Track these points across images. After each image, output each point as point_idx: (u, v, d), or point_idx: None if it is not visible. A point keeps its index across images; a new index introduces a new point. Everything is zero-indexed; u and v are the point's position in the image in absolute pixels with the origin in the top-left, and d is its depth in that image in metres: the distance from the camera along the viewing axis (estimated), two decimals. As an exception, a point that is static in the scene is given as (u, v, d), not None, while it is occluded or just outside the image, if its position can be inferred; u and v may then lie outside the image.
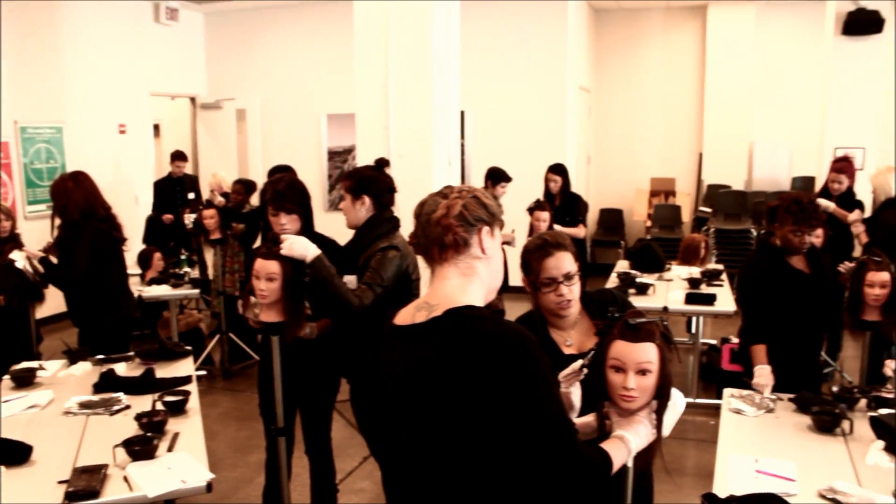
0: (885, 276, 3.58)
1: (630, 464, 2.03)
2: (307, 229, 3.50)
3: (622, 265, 6.94)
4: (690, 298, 5.62)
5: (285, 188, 3.48)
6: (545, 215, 6.07)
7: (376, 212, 3.54)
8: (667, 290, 5.99)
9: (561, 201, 6.65)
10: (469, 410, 1.67)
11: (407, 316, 1.83)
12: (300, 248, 3.17)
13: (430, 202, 1.86)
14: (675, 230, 9.77)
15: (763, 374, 3.71)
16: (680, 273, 6.53)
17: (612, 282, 6.13)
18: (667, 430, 2.14)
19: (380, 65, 5.04)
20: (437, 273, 1.84)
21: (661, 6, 10.94)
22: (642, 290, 5.86)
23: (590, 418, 2.14)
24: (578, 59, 9.81)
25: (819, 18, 9.02)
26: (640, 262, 6.69)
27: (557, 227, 6.27)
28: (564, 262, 2.41)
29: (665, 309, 5.62)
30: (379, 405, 1.86)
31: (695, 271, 6.45)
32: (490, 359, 1.66)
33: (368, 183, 3.56)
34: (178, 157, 8.79)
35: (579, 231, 6.58)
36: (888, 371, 3.71)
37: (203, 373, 6.22)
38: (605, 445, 1.92)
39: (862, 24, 7.90)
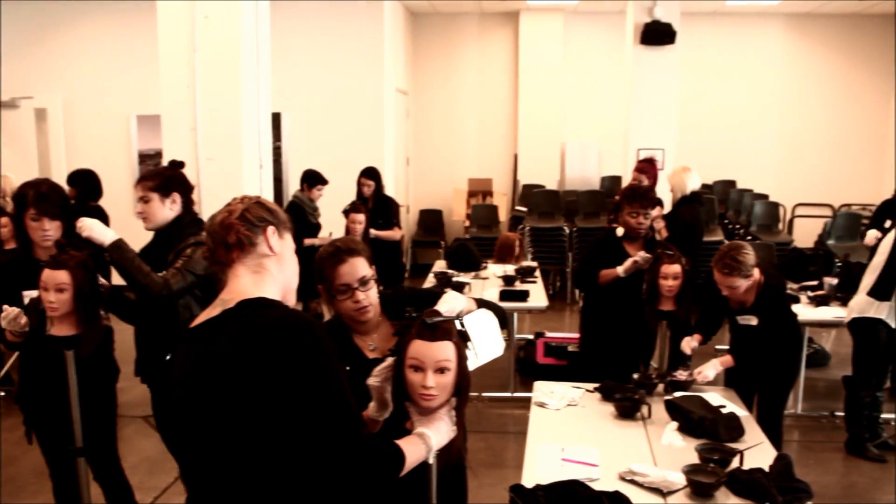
0: (676, 268, 3.82)
1: (432, 460, 2.05)
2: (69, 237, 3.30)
3: (440, 265, 7.05)
4: (505, 295, 5.78)
5: (49, 191, 3.28)
6: (360, 217, 6.08)
7: (183, 211, 3.45)
8: (482, 289, 6.14)
9: (374, 204, 6.66)
10: (260, 397, 1.71)
11: (202, 316, 1.86)
12: (99, 231, 3.02)
13: (216, 213, 1.93)
14: (492, 229, 10.01)
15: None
16: (496, 271, 6.70)
17: (430, 282, 6.22)
18: (497, 350, 2.21)
19: (185, 64, 4.86)
20: (229, 274, 1.88)
21: (476, 12, 11.20)
22: (458, 289, 5.96)
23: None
24: (395, 62, 9.87)
25: (620, 28, 9.52)
26: (457, 262, 6.82)
27: (372, 231, 6.29)
28: (358, 268, 2.40)
29: (480, 307, 5.74)
30: (174, 402, 1.87)
31: (510, 269, 6.64)
32: (279, 345, 1.71)
33: (177, 181, 3.47)
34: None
35: (394, 233, 6.63)
36: (686, 349, 3.95)
37: (2, 393, 5.83)
38: (403, 442, 1.96)
39: (657, 34, 8.40)
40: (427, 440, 2.01)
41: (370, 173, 6.73)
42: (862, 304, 4.97)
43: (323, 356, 1.74)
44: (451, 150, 11.49)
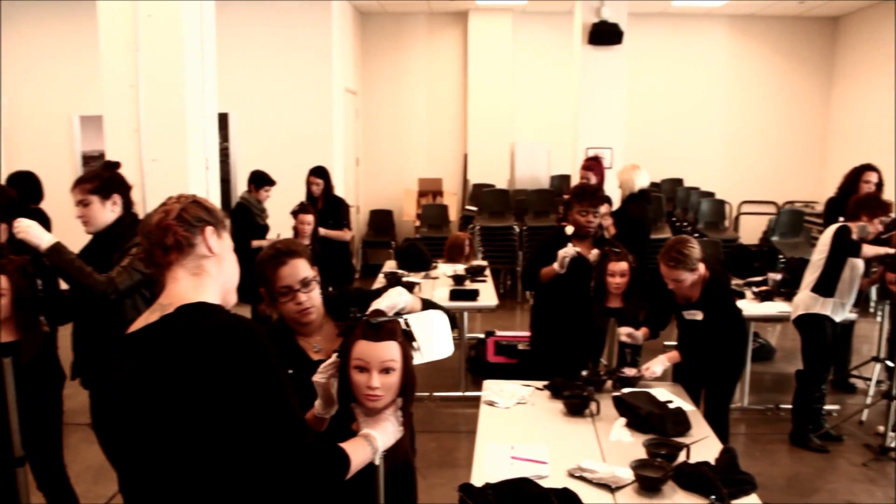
0: (623, 265, 3.85)
1: (378, 462, 2.04)
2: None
3: (390, 265, 7.03)
4: (454, 295, 5.78)
5: None
6: (309, 218, 6.03)
7: (124, 212, 3.39)
8: (433, 288, 6.13)
9: (324, 204, 6.62)
10: (202, 407, 1.67)
11: (140, 321, 1.80)
12: (35, 234, 2.95)
13: (152, 213, 1.87)
14: (442, 229, 10.01)
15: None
16: (446, 271, 6.70)
17: (380, 282, 6.19)
18: (444, 350, 2.18)
19: (128, 64, 4.77)
20: (167, 277, 1.83)
21: (425, 11, 11.20)
22: (408, 289, 5.93)
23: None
24: (344, 61, 9.83)
25: (568, 28, 9.57)
26: (407, 262, 6.81)
27: (322, 230, 6.25)
28: (299, 269, 2.38)
29: (430, 306, 5.74)
30: (111, 410, 1.82)
31: (460, 268, 6.64)
32: (220, 353, 1.67)
33: (116, 182, 3.41)
34: None
35: (344, 234, 6.59)
36: (623, 337, 3.99)
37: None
38: (348, 444, 1.94)
39: (604, 35, 8.47)
40: (373, 441, 1.99)
41: (319, 172, 6.68)
42: (807, 301, 5.09)
43: (265, 362, 1.71)
44: (401, 150, 11.48)
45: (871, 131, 10.26)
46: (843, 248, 4.94)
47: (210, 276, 1.85)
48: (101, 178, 3.37)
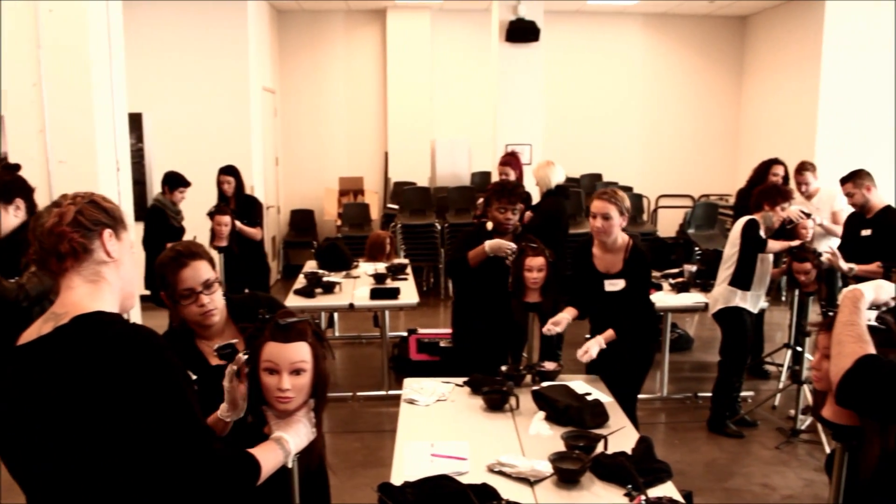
0: (540, 260, 3.87)
1: (291, 464, 2.00)
2: None
3: (311, 265, 6.96)
4: (375, 294, 5.75)
5: None
6: (226, 219, 5.92)
7: (28, 216, 3.27)
8: (353, 287, 6.09)
9: (236, 204, 6.50)
10: (102, 420, 1.60)
11: (32, 331, 1.70)
12: None
13: (44, 214, 1.75)
14: (364, 228, 9.96)
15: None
16: (367, 269, 6.66)
17: (300, 282, 6.12)
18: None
19: (30, 63, 4.62)
20: (62, 284, 1.73)
21: (342, 9, 11.11)
22: (329, 288, 5.89)
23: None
24: (261, 60, 9.68)
25: (486, 26, 9.64)
26: (327, 261, 6.75)
27: (237, 224, 6.14)
28: (201, 271, 2.33)
29: (351, 306, 5.71)
30: (9, 426, 1.68)
31: (381, 267, 6.61)
32: (119, 366, 1.59)
33: (18, 186, 3.29)
34: None
35: (257, 233, 6.48)
36: (548, 329, 4.00)
37: None
38: (259, 449, 1.89)
39: (522, 32, 8.54)
40: (285, 444, 1.95)
41: (229, 170, 6.55)
42: (725, 295, 5.22)
43: (165, 373, 1.64)
44: (321, 149, 11.36)
45: (779, 125, 10.60)
46: (751, 244, 5.08)
47: (108, 283, 1.75)
48: (1, 182, 3.24)
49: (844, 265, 5.13)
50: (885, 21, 9.26)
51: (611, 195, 3.95)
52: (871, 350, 1.73)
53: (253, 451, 1.87)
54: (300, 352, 1.99)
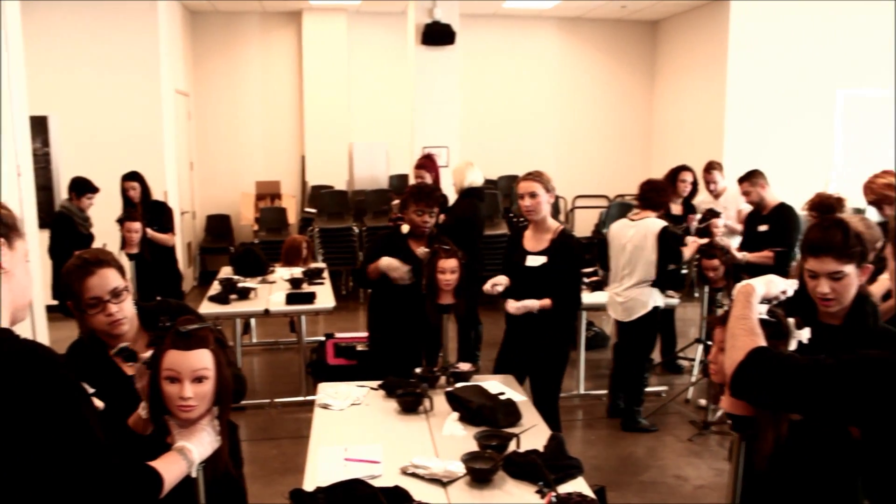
0: (453, 262, 3.88)
1: (195, 474, 1.96)
2: None
3: (226, 271, 6.85)
4: (291, 298, 5.69)
5: None
6: (136, 226, 5.78)
7: None
8: (269, 293, 6.02)
9: (144, 209, 6.33)
10: None
11: None
12: None
13: None
14: (282, 232, 9.85)
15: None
16: (283, 274, 6.59)
17: (215, 289, 6.01)
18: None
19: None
20: None
21: (257, 11, 10.97)
22: (244, 294, 5.81)
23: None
24: (174, 62, 9.49)
25: (403, 29, 9.64)
26: (243, 267, 6.66)
27: (148, 231, 6.01)
28: (109, 279, 2.27)
29: (266, 311, 5.64)
30: None
31: (297, 272, 6.55)
32: (9, 380, 1.53)
33: None
34: None
35: (170, 239, 6.34)
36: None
37: None
38: (161, 461, 1.85)
39: (438, 35, 8.58)
40: (188, 454, 1.91)
41: (133, 176, 6.37)
42: (642, 300, 5.27)
43: (59, 389, 1.59)
44: (237, 153, 11.18)
45: (690, 126, 10.89)
46: (670, 254, 5.22)
47: None
48: None
49: (739, 255, 5.61)
50: (788, 19, 9.63)
51: (535, 175, 4.14)
52: (762, 342, 1.78)
53: (154, 463, 1.83)
54: (202, 359, 1.95)
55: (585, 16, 11.53)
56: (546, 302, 4.08)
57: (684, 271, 6.20)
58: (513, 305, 4.12)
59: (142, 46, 8.75)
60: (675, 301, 5.95)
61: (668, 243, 5.18)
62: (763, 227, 5.67)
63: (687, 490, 4.64)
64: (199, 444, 1.95)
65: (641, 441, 5.34)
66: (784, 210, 5.67)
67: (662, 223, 5.24)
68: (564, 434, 5.32)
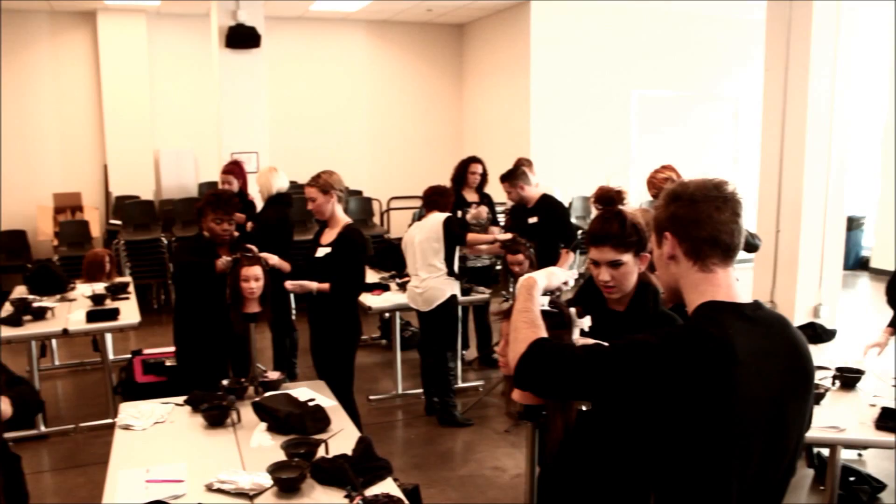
0: (257, 270, 3.81)
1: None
2: None
3: (20, 290, 6.41)
4: (92, 316, 5.39)
5: None
6: None
7: None
8: (69, 311, 5.69)
9: None
10: None
11: None
12: None
13: None
14: (85, 246, 9.29)
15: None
16: (84, 291, 6.24)
17: (7, 310, 5.61)
18: None
19: None
20: None
21: (46, 10, 10.30)
22: (39, 314, 5.45)
23: None
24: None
25: (206, 31, 9.37)
26: (39, 285, 6.25)
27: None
28: None
29: (65, 331, 5.32)
30: None
31: (100, 287, 6.22)
32: None
33: None
34: None
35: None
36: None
37: None
38: None
39: (242, 38, 8.42)
40: None
41: None
42: (441, 288, 5.41)
43: None
44: (31, 164, 10.45)
45: (499, 125, 11.26)
46: (453, 238, 5.45)
47: None
48: None
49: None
50: (586, 20, 10.14)
51: (313, 179, 4.42)
52: (543, 334, 1.85)
53: None
54: None
55: (393, 19, 11.63)
56: (324, 286, 4.35)
57: (498, 267, 6.38)
58: (289, 284, 4.39)
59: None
60: (485, 296, 6.13)
61: (452, 229, 5.43)
62: (533, 220, 5.89)
63: (504, 480, 4.78)
64: None
65: (460, 436, 5.46)
66: (548, 200, 5.93)
67: (446, 214, 5.50)
68: (384, 435, 5.42)
